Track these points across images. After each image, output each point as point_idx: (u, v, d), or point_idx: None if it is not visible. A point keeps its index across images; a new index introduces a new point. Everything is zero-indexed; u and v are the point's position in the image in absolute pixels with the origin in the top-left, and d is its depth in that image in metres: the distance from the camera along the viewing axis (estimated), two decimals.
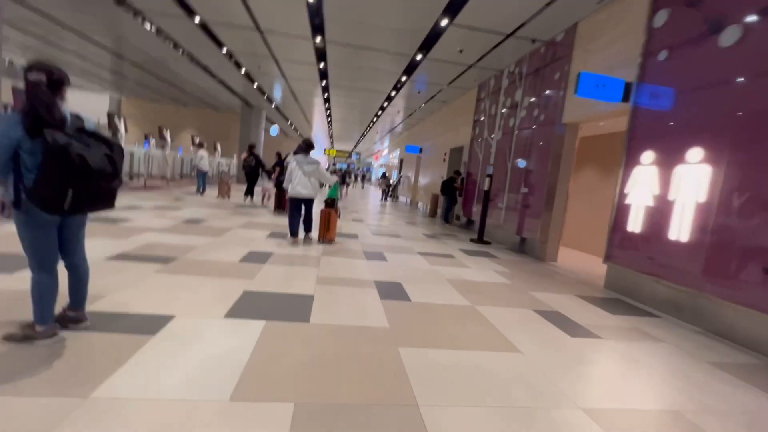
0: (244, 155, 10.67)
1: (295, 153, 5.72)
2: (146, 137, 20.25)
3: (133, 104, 25.45)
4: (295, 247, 5.34)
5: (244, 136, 18.72)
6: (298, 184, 5.47)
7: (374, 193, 27.59)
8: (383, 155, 34.51)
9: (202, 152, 10.99)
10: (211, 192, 11.93)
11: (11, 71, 21.58)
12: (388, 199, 19.83)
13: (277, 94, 15.79)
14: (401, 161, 22.85)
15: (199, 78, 14.25)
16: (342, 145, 35.87)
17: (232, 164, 23.75)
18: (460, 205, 10.86)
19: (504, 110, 8.58)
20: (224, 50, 10.01)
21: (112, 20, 9.21)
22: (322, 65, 10.24)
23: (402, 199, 20.50)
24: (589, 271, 6.10)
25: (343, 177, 11.71)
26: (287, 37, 8.49)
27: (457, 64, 8.92)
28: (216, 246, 4.87)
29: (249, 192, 10.57)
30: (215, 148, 23.51)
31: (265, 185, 10.56)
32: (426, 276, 4.56)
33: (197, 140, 21.04)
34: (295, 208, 5.64)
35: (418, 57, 8.67)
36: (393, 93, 12.39)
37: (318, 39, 8.40)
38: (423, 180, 16.08)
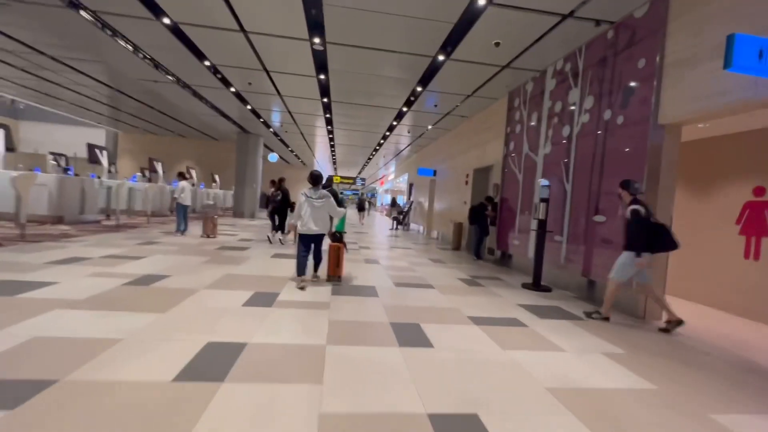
0: (271, 190, 9.60)
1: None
2: (142, 171, 18.92)
3: (130, 138, 24.79)
4: (289, 316, 3.44)
5: (241, 165, 17.14)
6: (309, 220, 5.01)
7: (380, 220, 25.78)
8: (389, 180, 32.99)
9: (183, 183, 9.25)
10: (197, 230, 10.12)
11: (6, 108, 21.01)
12: (399, 227, 17.97)
13: (275, 117, 14.33)
14: (411, 186, 21.15)
15: (189, 103, 12.82)
16: (346, 171, 34.53)
17: (227, 195, 22.25)
18: (492, 236, 8.95)
19: (552, 118, 6.83)
20: (207, 63, 8.48)
21: (84, 38, 7.79)
22: (322, 76, 8.66)
23: (414, 227, 18.63)
24: (728, 338, 4.09)
25: (361, 204, 10.00)
26: (278, 38, 6.91)
27: (487, 65, 7.25)
28: (152, 335, 2.96)
29: (280, 228, 9.41)
30: (213, 180, 22.14)
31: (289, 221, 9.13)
32: (510, 384, 2.59)
33: (191, 172, 19.72)
34: (304, 246, 5.14)
35: (440, 57, 7.02)
36: (404, 109, 10.79)
37: (317, 40, 6.81)
38: (439, 206, 14.25)
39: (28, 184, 6.68)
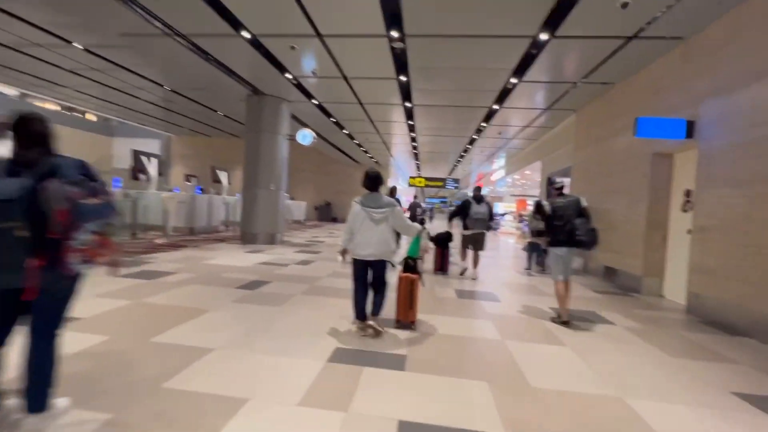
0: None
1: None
2: (188, 179, 13.48)
3: (183, 142, 21.11)
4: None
5: (251, 151, 10.03)
6: (363, 239, 3.43)
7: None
8: (495, 179, 23.66)
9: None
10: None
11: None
12: (533, 266, 8.85)
13: (308, 64, 7.02)
14: (552, 181, 11.87)
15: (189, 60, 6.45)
16: (431, 170, 26.30)
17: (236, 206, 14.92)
18: None
19: None
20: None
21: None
22: None
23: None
24: None
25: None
26: None
27: None
28: None
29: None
30: (214, 178, 14.16)
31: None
32: None
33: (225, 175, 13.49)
34: (359, 276, 3.57)
35: None
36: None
37: None
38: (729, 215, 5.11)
39: None
